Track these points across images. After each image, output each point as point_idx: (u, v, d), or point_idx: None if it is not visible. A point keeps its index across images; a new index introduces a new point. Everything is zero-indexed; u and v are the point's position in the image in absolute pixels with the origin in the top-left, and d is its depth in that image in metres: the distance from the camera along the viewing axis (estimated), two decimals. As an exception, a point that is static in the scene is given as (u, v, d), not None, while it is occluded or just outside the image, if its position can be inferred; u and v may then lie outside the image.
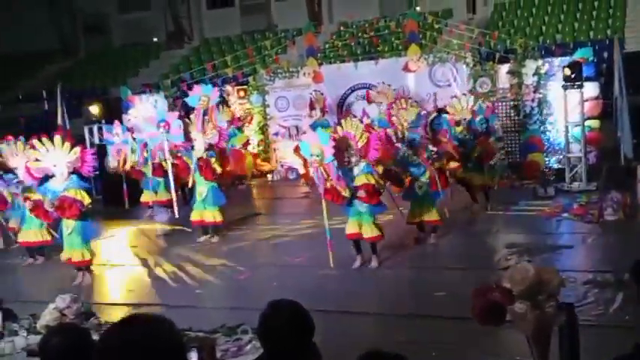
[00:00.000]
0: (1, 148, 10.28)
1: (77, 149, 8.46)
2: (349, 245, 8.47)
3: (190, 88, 16.77)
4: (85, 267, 8.67)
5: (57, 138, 8.45)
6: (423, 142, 9.15)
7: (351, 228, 8.28)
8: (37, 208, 8.77)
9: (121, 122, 13.22)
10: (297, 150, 8.64)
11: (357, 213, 8.21)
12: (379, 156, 8.43)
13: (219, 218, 10.28)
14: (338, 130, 8.35)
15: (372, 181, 8.09)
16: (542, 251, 8.33)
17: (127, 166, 12.57)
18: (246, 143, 15.22)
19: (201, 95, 11.48)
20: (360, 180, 8.06)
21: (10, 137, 10.20)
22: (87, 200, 8.35)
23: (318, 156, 8.02)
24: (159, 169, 11.77)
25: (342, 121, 8.60)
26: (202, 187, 10.17)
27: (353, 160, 8.15)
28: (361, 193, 8.04)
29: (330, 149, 7.97)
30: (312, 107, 14.75)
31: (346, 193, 8.06)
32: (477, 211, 10.76)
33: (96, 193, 13.96)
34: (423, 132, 9.35)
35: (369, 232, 8.22)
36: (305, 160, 9.06)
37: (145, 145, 11.84)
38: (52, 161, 8.35)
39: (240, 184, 15.09)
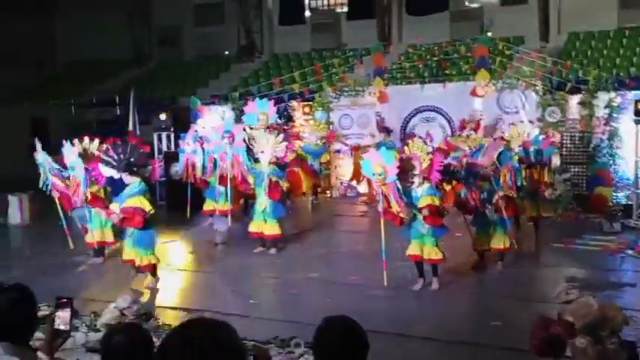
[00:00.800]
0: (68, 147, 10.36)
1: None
2: (405, 267, 8.42)
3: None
4: (150, 271, 8.75)
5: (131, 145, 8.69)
6: (488, 172, 9.01)
7: (413, 249, 8.25)
8: (96, 199, 9.07)
9: (194, 131, 13.42)
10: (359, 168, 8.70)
11: (419, 235, 8.18)
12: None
13: (277, 231, 10.35)
14: (405, 150, 8.36)
15: (436, 202, 8.06)
16: (604, 287, 8.11)
17: (193, 176, 12.68)
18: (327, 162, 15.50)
19: (258, 113, 11.63)
20: (424, 201, 8.02)
21: (86, 137, 10.40)
22: (148, 207, 8.36)
23: (380, 175, 8.05)
24: (225, 179, 11.89)
25: (409, 141, 8.62)
26: (263, 200, 10.26)
27: (416, 181, 8.11)
28: (425, 212, 7.99)
29: (393, 168, 7.99)
30: (382, 130, 14.71)
31: (405, 215, 8.04)
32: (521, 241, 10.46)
33: (160, 198, 14.31)
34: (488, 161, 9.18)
35: (432, 254, 8.18)
36: (369, 180, 9.06)
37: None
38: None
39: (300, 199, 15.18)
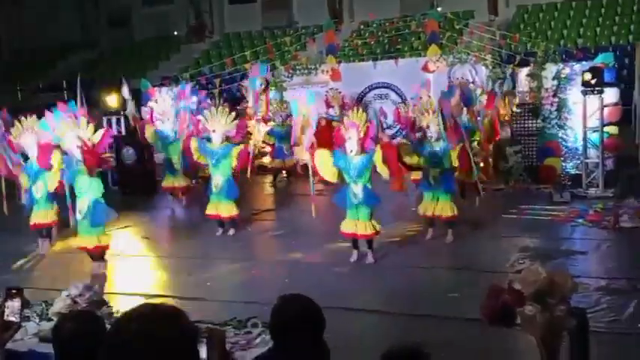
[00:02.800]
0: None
1: (101, 131, 8.61)
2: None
3: (210, 82, 16.99)
4: (100, 255, 8.64)
5: (82, 119, 8.48)
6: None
7: (346, 227, 8.39)
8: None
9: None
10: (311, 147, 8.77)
11: (353, 206, 8.24)
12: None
13: (234, 212, 10.28)
14: (345, 120, 8.50)
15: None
16: (556, 256, 8.30)
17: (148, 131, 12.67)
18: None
19: (259, 77, 11.66)
20: (368, 172, 8.17)
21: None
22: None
23: (304, 115, 8.92)
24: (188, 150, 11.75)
25: (350, 111, 8.74)
26: (218, 179, 10.16)
27: (354, 149, 8.14)
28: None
29: (315, 110, 8.99)
30: (328, 105, 14.79)
31: (335, 178, 8.48)
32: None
33: (112, 184, 14.08)
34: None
35: (366, 229, 8.27)
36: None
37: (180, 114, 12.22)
38: (73, 141, 8.30)
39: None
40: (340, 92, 15.00)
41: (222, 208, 10.21)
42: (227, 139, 10.20)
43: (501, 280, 5.08)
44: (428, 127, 9.07)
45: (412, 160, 9.14)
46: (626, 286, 6.98)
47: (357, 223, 8.28)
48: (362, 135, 8.13)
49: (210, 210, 10.31)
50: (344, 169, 8.25)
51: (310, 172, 9.19)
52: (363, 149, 8.19)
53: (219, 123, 10.14)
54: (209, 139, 10.29)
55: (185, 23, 24.78)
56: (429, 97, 11.15)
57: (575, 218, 10.14)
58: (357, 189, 8.17)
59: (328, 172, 8.52)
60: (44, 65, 23.86)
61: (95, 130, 8.46)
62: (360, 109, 8.60)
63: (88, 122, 8.49)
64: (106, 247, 8.70)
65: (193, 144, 10.41)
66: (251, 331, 5.02)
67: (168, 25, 25.23)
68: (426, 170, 9.23)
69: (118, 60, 24.20)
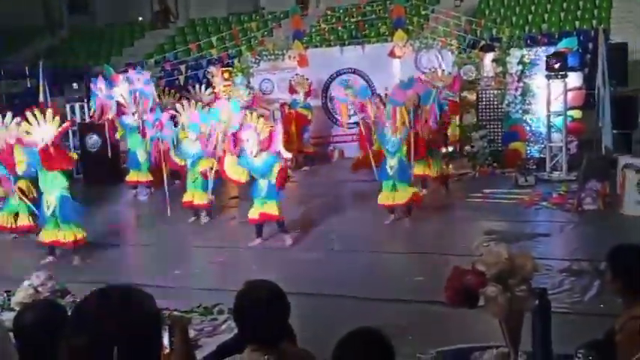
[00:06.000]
0: None
1: (67, 124, 8.69)
2: (329, 231, 8.51)
3: (175, 69, 16.80)
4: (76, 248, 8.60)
5: (49, 112, 8.36)
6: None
7: (253, 214, 8.84)
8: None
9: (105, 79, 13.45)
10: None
11: (260, 199, 8.72)
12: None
13: (208, 201, 10.27)
14: (243, 120, 9.00)
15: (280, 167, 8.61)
16: (520, 239, 8.39)
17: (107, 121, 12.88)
18: None
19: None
20: (275, 169, 8.55)
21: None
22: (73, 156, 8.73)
23: (224, 122, 9.22)
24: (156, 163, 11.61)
25: (247, 113, 9.26)
26: (195, 172, 10.17)
27: (253, 151, 8.58)
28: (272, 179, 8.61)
29: (238, 118, 9.17)
30: (292, 91, 14.75)
31: (243, 178, 8.96)
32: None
33: (76, 172, 13.86)
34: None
35: (272, 211, 8.73)
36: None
37: (136, 97, 12.16)
38: (41, 135, 8.20)
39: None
40: (307, 79, 14.93)
41: (198, 196, 10.23)
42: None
43: (466, 264, 5.15)
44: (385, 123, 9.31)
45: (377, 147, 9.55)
46: (588, 267, 7.09)
47: (263, 209, 8.77)
48: (263, 137, 8.57)
49: (186, 198, 10.32)
50: (248, 168, 8.79)
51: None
52: (267, 148, 8.63)
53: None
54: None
55: (149, 8, 24.43)
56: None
57: (539, 201, 10.28)
58: (263, 184, 8.70)
59: (236, 174, 9.05)
60: (5, 51, 23.32)
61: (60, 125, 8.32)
62: (254, 113, 9.16)
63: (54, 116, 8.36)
64: (83, 241, 8.61)
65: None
66: (217, 318, 5.02)
67: (132, 10, 24.85)
68: (384, 160, 9.42)
69: (80, 46, 23.78)
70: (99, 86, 13.12)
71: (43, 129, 8.18)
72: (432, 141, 10.36)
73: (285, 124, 11.54)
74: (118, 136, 12.94)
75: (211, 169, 9.96)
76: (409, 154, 9.41)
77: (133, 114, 12.31)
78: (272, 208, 8.74)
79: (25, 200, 9.47)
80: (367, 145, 10.43)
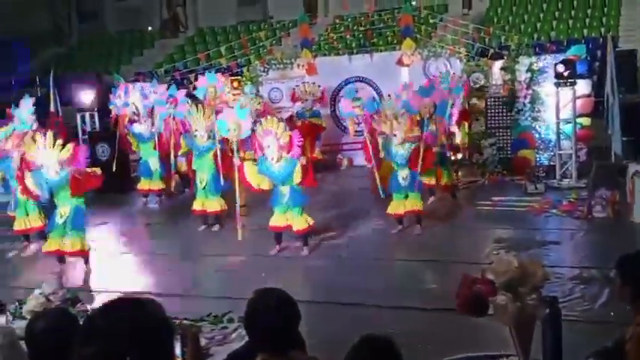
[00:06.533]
0: None
1: (70, 146, 8.17)
2: (330, 237, 8.49)
3: (185, 78, 16.87)
4: (84, 258, 8.64)
5: (49, 135, 8.24)
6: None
7: (275, 221, 8.72)
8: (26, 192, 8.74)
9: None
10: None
11: (283, 207, 8.62)
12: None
13: (220, 207, 10.22)
14: (258, 128, 8.73)
15: (302, 172, 8.48)
16: (530, 247, 8.38)
17: (121, 126, 12.67)
18: None
19: (207, 86, 11.55)
20: (297, 176, 8.41)
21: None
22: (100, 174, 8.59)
23: (235, 130, 9.05)
24: (163, 145, 11.65)
25: (263, 119, 8.96)
26: (203, 174, 10.13)
27: (275, 157, 8.44)
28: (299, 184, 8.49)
29: (247, 124, 8.95)
30: (295, 100, 14.79)
31: (264, 185, 8.73)
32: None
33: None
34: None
35: (300, 224, 8.60)
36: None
37: (152, 110, 11.94)
38: (42, 160, 8.18)
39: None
40: (319, 85, 14.93)
41: (208, 203, 10.19)
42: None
43: (476, 272, 5.14)
44: (394, 134, 9.14)
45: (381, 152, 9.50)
46: (599, 275, 7.07)
47: (287, 218, 8.66)
48: (283, 143, 8.44)
49: (196, 206, 10.28)
50: (268, 175, 8.62)
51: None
52: (287, 153, 8.51)
53: (200, 120, 10.14)
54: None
55: (159, 18, 24.57)
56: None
57: (549, 209, 10.24)
58: (285, 190, 8.58)
59: (256, 180, 8.83)
60: (15, 59, 23.49)
61: (63, 146, 8.16)
62: (274, 117, 8.97)
63: (56, 137, 8.26)
64: (87, 252, 8.66)
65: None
66: (227, 327, 5.03)
67: (141, 19, 25.00)
68: (395, 172, 9.39)
69: (90, 55, 23.92)
70: (118, 94, 12.84)
71: (45, 154, 8.12)
72: (441, 153, 10.41)
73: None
74: (134, 147, 12.81)
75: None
76: (416, 164, 9.24)
77: (145, 122, 12.27)
78: (300, 223, 8.60)
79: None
80: (372, 159, 10.26)
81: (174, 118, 10.94)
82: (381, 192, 9.85)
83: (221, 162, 9.95)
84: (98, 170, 8.60)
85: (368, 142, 10.43)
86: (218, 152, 9.93)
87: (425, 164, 9.36)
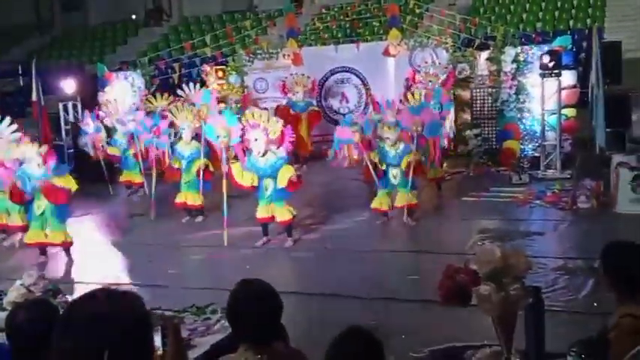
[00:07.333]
0: None
1: (44, 148, 8.48)
2: (316, 230, 8.48)
3: (169, 67, 16.74)
4: (65, 249, 8.66)
5: (26, 141, 8.54)
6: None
7: (261, 213, 8.75)
8: (15, 195, 8.63)
9: (92, 109, 13.27)
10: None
11: (266, 199, 8.67)
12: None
13: (201, 202, 10.27)
14: (243, 121, 8.73)
15: (293, 171, 8.57)
16: (515, 237, 8.41)
17: (103, 153, 12.71)
18: None
19: (201, 104, 11.37)
20: (286, 172, 8.45)
21: None
22: (74, 187, 8.47)
23: (225, 137, 8.86)
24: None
25: (247, 112, 9.00)
26: (187, 177, 10.18)
27: (260, 151, 8.45)
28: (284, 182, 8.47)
29: (237, 131, 8.72)
30: (285, 92, 14.65)
31: (253, 183, 8.68)
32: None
33: (70, 171, 13.76)
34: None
35: (284, 215, 8.65)
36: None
37: (132, 136, 11.86)
38: (22, 154, 8.31)
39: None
40: (308, 77, 14.82)
41: (190, 196, 10.21)
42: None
43: (460, 262, 5.14)
44: (388, 138, 9.24)
45: (374, 157, 9.44)
46: (583, 265, 7.10)
47: (271, 210, 8.71)
48: (273, 137, 8.44)
49: (179, 199, 10.28)
50: (253, 170, 8.60)
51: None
52: (278, 147, 8.53)
53: (186, 119, 10.14)
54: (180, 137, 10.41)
55: (143, 7, 24.35)
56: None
57: (533, 199, 10.28)
58: (268, 184, 8.64)
59: (244, 180, 8.78)
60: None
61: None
62: (258, 110, 9.00)
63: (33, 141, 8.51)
64: (69, 244, 8.69)
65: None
66: (210, 318, 4.98)
67: (125, 8, 24.77)
68: (386, 169, 9.39)
69: (73, 44, 23.70)
70: (86, 122, 12.86)
71: (21, 149, 8.29)
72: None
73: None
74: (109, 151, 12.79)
75: (206, 167, 9.95)
76: (407, 174, 9.22)
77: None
78: (283, 214, 8.64)
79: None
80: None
81: (157, 148, 10.85)
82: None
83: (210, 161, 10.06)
84: (71, 182, 8.49)
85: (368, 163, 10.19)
86: (201, 168, 9.97)
87: (416, 174, 9.39)
